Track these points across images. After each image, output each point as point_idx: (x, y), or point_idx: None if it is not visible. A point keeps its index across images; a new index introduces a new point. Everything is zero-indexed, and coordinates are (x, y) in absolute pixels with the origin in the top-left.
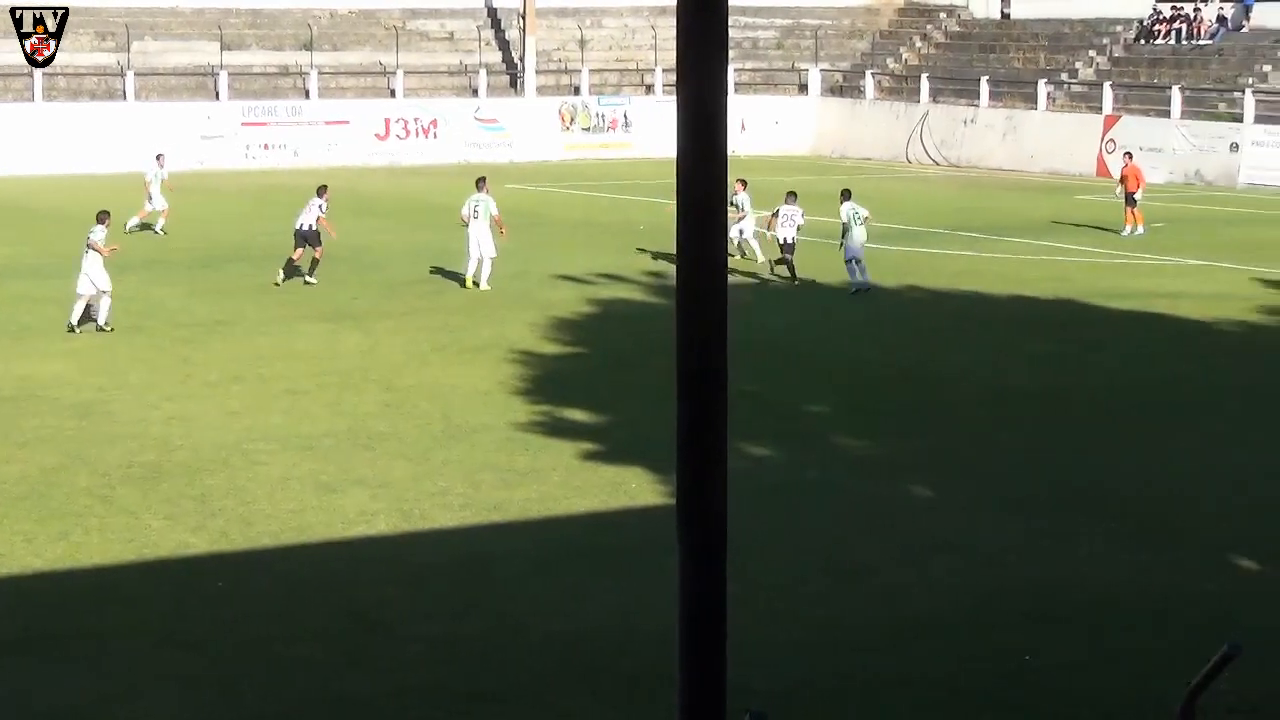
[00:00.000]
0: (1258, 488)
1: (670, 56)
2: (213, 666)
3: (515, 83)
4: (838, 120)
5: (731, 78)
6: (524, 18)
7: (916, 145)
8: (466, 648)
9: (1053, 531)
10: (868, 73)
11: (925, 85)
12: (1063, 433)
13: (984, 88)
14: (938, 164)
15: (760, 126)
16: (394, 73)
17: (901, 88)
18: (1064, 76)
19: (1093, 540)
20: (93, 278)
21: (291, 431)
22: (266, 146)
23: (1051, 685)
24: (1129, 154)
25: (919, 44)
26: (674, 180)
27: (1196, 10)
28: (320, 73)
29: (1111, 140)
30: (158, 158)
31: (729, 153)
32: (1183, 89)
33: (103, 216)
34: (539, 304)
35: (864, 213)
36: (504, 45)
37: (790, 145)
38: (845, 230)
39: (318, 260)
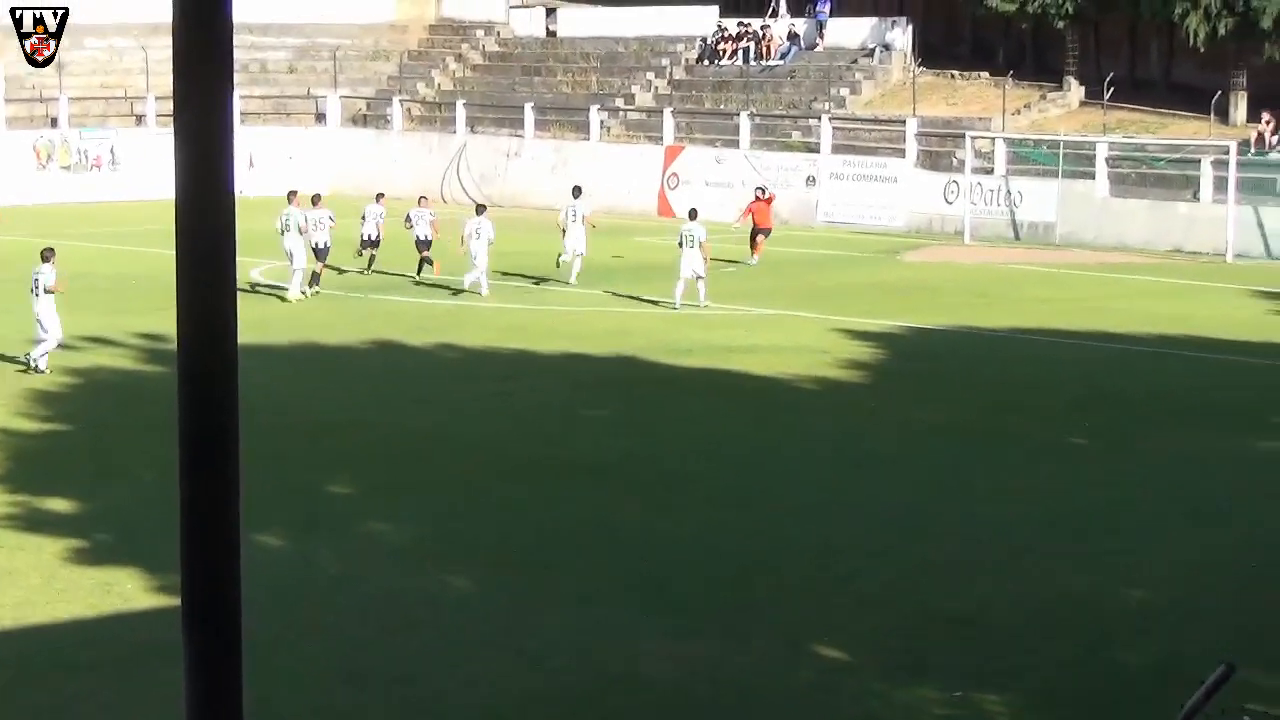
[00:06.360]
0: (841, 562)
1: (165, 82)
2: None
3: None
4: (362, 154)
5: (238, 106)
6: None
7: (454, 181)
8: None
9: (611, 624)
10: (395, 99)
11: (461, 113)
12: (619, 510)
13: (529, 115)
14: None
15: (271, 162)
16: None
17: (435, 116)
18: (619, 102)
19: (658, 632)
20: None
21: None
22: None
23: None
24: (761, 189)
25: (453, 66)
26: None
27: (765, 27)
28: None
29: (674, 174)
30: None
31: (236, 193)
32: (752, 115)
33: (48, 254)
34: (9, 373)
35: (701, 236)
36: None
37: (307, 183)
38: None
39: (374, 257)
